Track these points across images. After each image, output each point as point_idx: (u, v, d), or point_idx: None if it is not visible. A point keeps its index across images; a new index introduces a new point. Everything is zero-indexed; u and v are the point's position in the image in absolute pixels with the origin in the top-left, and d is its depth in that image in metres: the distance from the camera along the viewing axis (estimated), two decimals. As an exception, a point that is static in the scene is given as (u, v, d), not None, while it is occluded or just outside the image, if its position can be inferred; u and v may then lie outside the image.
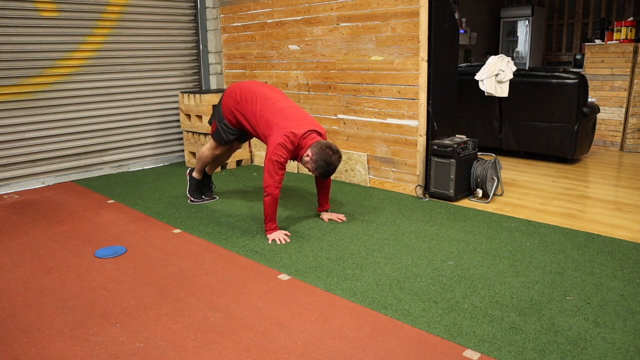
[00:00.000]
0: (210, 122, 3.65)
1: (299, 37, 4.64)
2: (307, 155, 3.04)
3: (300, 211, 3.64)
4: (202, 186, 3.93)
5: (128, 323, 2.15)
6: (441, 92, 3.91)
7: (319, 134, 3.13)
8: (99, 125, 4.87)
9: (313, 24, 4.50)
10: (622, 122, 5.65)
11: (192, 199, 3.87)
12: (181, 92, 5.08)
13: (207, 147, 3.69)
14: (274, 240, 3.04)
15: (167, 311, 2.24)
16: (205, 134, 4.89)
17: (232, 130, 3.46)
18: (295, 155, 3.11)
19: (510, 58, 4.87)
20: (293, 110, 3.19)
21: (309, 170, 3.11)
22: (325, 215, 3.45)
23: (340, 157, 3.06)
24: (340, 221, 3.39)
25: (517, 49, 8.97)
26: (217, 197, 3.97)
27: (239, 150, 5.17)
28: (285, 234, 3.10)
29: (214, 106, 4.85)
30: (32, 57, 4.38)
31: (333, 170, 3.06)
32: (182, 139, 5.49)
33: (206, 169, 3.86)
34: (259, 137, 3.31)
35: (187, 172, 3.92)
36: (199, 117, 4.93)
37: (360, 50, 4.17)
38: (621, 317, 2.12)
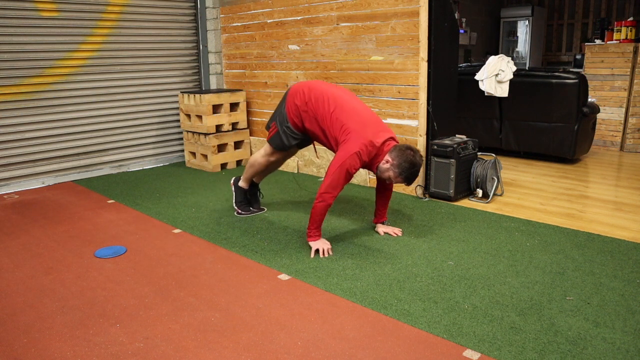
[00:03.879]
0: (268, 126, 3.27)
1: (299, 37, 4.65)
2: (387, 162, 2.77)
3: (300, 211, 3.63)
4: (250, 196, 3.63)
5: (128, 323, 2.15)
6: (441, 92, 3.91)
7: (394, 139, 2.89)
8: (99, 125, 4.87)
9: (313, 24, 4.50)
10: (622, 122, 5.65)
11: (239, 211, 3.55)
12: (181, 92, 5.08)
13: (261, 153, 3.36)
14: (316, 251, 2.82)
15: (167, 311, 2.24)
16: (206, 134, 4.89)
17: (295, 134, 3.14)
18: (369, 164, 2.84)
19: (510, 58, 4.87)
20: (368, 114, 2.90)
21: (390, 179, 2.82)
22: (381, 229, 3.18)
23: (422, 156, 2.80)
24: (395, 235, 3.12)
25: (517, 49, 8.97)
26: (266, 209, 3.66)
27: (238, 150, 5.18)
28: (329, 247, 2.85)
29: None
30: (32, 57, 4.38)
31: (418, 172, 2.78)
32: (182, 139, 5.49)
33: (254, 178, 3.56)
34: (326, 142, 3.01)
35: (232, 181, 3.60)
36: (199, 117, 4.93)
37: (360, 50, 4.17)
38: (621, 317, 2.12)
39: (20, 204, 3.93)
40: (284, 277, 2.57)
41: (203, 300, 2.33)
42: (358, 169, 2.77)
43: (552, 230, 3.16)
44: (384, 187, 3.11)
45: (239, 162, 5.22)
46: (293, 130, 3.12)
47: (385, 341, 1.99)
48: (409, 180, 2.79)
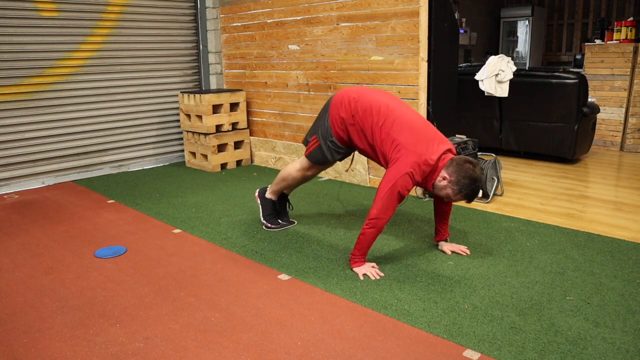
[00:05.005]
0: (306, 141, 2.97)
1: (299, 37, 4.64)
2: (444, 179, 2.48)
3: (301, 210, 3.63)
4: (280, 208, 3.32)
5: (128, 323, 2.15)
6: (441, 92, 3.91)
7: (452, 151, 2.58)
8: (99, 125, 4.87)
9: (313, 24, 4.50)
10: (622, 122, 5.65)
11: (268, 224, 3.25)
12: (181, 92, 5.08)
13: (296, 167, 3.05)
14: (365, 274, 2.55)
15: (167, 311, 2.24)
16: (206, 134, 4.89)
17: (341, 148, 2.85)
18: (423, 182, 2.55)
19: (510, 58, 4.87)
20: (421, 125, 2.59)
21: (448, 197, 2.54)
22: (447, 247, 2.86)
23: (482, 169, 2.54)
24: (464, 254, 2.82)
25: (517, 49, 8.97)
26: (296, 222, 3.37)
27: (238, 150, 5.18)
28: (376, 269, 2.60)
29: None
30: (32, 57, 4.38)
31: (479, 188, 2.48)
32: (182, 139, 5.49)
33: (284, 190, 3.27)
34: (375, 158, 2.73)
35: (257, 193, 3.30)
36: (199, 117, 4.93)
37: (360, 50, 4.17)
38: (621, 317, 2.12)
39: (20, 204, 3.93)
40: (284, 277, 2.57)
41: (203, 300, 2.33)
42: (410, 190, 2.51)
43: (552, 230, 3.16)
44: (442, 203, 2.82)
45: (239, 162, 5.22)
46: (338, 145, 2.83)
47: (385, 341, 1.99)
48: (469, 198, 2.50)
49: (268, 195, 3.25)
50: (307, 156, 2.97)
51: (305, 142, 2.99)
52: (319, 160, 2.94)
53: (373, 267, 2.61)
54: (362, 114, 2.67)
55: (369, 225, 2.51)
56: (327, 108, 2.86)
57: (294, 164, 3.09)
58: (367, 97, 2.71)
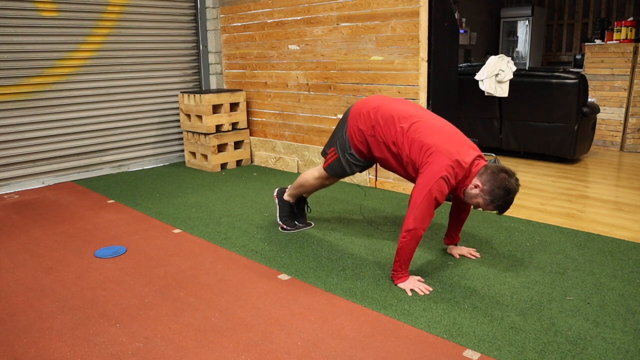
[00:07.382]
0: (325, 152, 2.92)
1: (299, 37, 4.65)
2: (476, 187, 2.35)
3: (300, 211, 3.63)
4: (297, 210, 3.28)
5: (128, 323, 2.15)
6: (441, 92, 3.91)
7: (482, 157, 2.45)
8: (99, 125, 4.87)
9: (313, 24, 4.50)
10: (622, 122, 5.65)
11: (284, 226, 3.22)
12: (181, 92, 5.08)
13: (314, 175, 3.00)
14: (412, 290, 2.39)
15: (167, 311, 2.24)
16: (206, 134, 4.89)
17: (360, 161, 2.77)
18: (456, 187, 2.41)
19: (510, 58, 4.87)
20: (449, 129, 2.49)
21: (478, 206, 2.40)
22: (456, 250, 2.82)
23: (518, 180, 2.35)
24: (474, 258, 2.77)
25: (517, 49, 8.97)
26: (313, 224, 3.33)
27: (238, 150, 5.18)
28: (424, 282, 2.46)
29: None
30: (32, 57, 4.38)
31: (513, 200, 2.34)
32: (182, 139, 5.49)
33: (303, 194, 3.23)
34: (399, 168, 2.60)
35: (275, 194, 3.26)
36: (199, 117, 4.93)
37: (360, 50, 4.17)
38: (621, 317, 2.12)
39: (20, 204, 3.93)
40: (284, 277, 2.57)
41: (203, 300, 2.33)
42: (446, 196, 2.36)
43: (552, 230, 3.16)
44: (460, 207, 2.71)
45: (239, 162, 5.22)
46: (357, 158, 2.76)
47: (385, 341, 1.99)
48: (502, 210, 2.36)
49: (286, 197, 3.21)
50: (326, 168, 2.91)
51: (324, 154, 2.94)
52: (337, 172, 2.88)
53: (419, 280, 2.46)
54: (383, 124, 2.57)
55: (406, 237, 2.34)
56: (345, 119, 2.78)
57: (312, 171, 3.05)
58: (387, 106, 2.61)
